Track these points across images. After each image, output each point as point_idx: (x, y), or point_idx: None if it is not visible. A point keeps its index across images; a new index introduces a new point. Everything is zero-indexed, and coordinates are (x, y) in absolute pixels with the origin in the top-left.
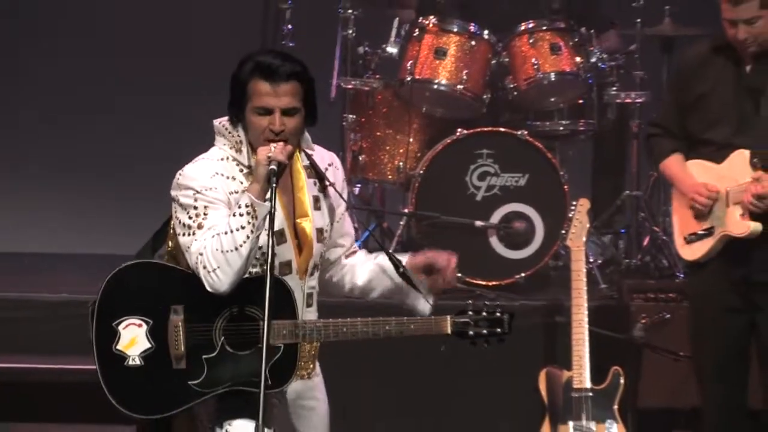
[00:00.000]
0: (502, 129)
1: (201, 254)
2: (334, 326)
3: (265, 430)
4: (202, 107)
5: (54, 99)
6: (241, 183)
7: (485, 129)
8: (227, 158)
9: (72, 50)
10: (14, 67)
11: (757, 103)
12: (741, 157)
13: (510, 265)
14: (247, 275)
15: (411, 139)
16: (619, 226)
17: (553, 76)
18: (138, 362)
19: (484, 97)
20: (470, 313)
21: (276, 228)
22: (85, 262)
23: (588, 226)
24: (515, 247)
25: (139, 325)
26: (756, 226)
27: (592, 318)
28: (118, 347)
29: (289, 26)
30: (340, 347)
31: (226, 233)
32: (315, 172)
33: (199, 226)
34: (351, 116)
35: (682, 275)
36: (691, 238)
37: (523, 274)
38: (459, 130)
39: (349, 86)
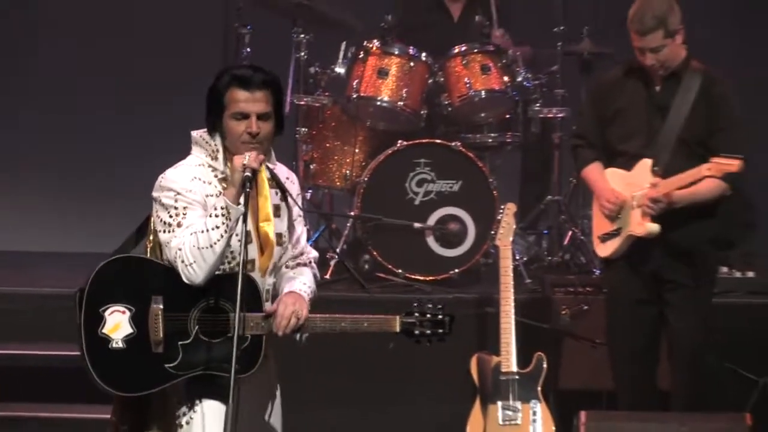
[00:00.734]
0: (437, 141)
1: (180, 249)
2: None
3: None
4: (169, 119)
5: (37, 101)
6: (216, 187)
7: (423, 141)
8: (204, 165)
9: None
10: None
11: (664, 119)
12: (645, 165)
13: (445, 263)
14: (218, 272)
15: (357, 150)
16: (542, 228)
17: (483, 94)
18: (121, 345)
19: (422, 112)
20: (416, 314)
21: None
22: (67, 260)
23: (514, 227)
24: (450, 246)
25: (123, 312)
26: (653, 227)
27: (518, 309)
28: (104, 331)
29: (248, 49)
30: (295, 343)
31: (202, 231)
32: (276, 183)
33: (179, 225)
34: (303, 129)
35: (598, 271)
36: (604, 238)
37: (456, 270)
38: (399, 141)
39: (302, 102)
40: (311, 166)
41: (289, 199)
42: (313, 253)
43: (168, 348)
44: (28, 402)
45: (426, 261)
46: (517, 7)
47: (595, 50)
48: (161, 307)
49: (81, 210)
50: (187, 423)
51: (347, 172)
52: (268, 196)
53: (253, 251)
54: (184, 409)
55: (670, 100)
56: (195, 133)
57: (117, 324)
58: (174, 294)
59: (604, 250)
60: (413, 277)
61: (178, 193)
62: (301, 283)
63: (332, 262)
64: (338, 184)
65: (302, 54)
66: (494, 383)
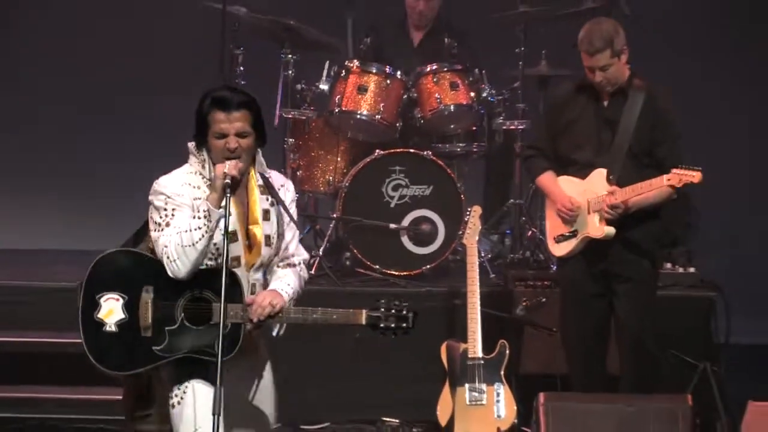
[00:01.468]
0: (411, 150)
1: (166, 246)
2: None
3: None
4: (167, 134)
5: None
6: (205, 192)
7: (398, 150)
8: (195, 172)
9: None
10: None
11: (612, 132)
12: (599, 174)
13: (418, 259)
14: (204, 266)
15: (339, 159)
16: (505, 228)
17: (452, 108)
18: (113, 329)
19: (397, 124)
20: (382, 309)
21: (230, 229)
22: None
23: (480, 227)
24: (422, 244)
25: (117, 300)
26: (610, 230)
27: (483, 301)
28: (99, 316)
29: (241, 68)
30: (286, 333)
31: (186, 231)
32: (268, 190)
33: (167, 225)
34: (290, 140)
35: (554, 267)
36: (560, 239)
37: (428, 266)
38: (377, 151)
39: (289, 116)
40: (298, 173)
41: (279, 205)
42: (304, 255)
43: (156, 332)
44: (46, 385)
45: (401, 258)
46: (481, 32)
47: (552, 73)
48: (151, 296)
49: (89, 211)
50: (179, 402)
51: (330, 178)
52: (257, 201)
53: (238, 249)
54: (175, 390)
55: (617, 114)
56: (190, 145)
57: (111, 310)
58: (163, 285)
59: (560, 250)
60: (389, 272)
61: (168, 197)
62: (285, 284)
63: (314, 261)
64: (322, 189)
65: (290, 72)
66: (462, 368)
